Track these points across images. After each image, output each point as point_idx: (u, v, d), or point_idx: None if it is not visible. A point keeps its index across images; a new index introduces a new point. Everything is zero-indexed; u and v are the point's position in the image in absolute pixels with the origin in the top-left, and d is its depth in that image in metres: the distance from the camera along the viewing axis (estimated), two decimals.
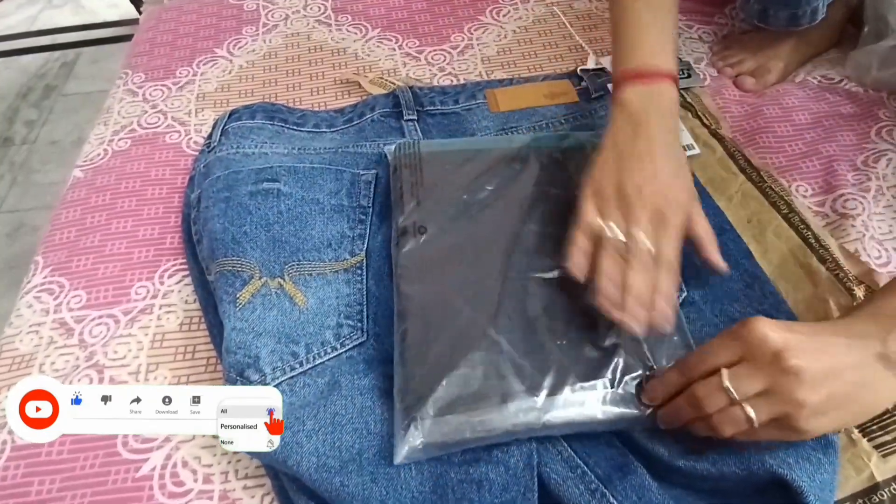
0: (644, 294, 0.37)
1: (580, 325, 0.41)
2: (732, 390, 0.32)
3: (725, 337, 0.34)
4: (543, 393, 0.38)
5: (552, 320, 0.41)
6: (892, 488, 0.38)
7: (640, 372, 0.39)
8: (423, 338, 0.41)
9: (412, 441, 0.38)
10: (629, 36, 0.46)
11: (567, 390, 0.38)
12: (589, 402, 0.38)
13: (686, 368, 0.35)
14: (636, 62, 0.45)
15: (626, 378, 0.39)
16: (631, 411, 0.38)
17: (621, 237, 0.39)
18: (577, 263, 0.40)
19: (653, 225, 0.39)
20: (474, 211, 0.48)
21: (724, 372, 0.33)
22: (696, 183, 0.52)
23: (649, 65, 0.44)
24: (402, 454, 0.38)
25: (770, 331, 0.32)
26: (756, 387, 0.32)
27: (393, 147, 0.54)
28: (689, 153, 0.56)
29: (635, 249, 0.38)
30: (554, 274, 0.43)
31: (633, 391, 0.38)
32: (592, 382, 0.39)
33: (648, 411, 0.38)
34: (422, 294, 0.44)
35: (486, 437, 0.38)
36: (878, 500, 0.38)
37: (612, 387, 0.39)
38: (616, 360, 0.39)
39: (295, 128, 0.59)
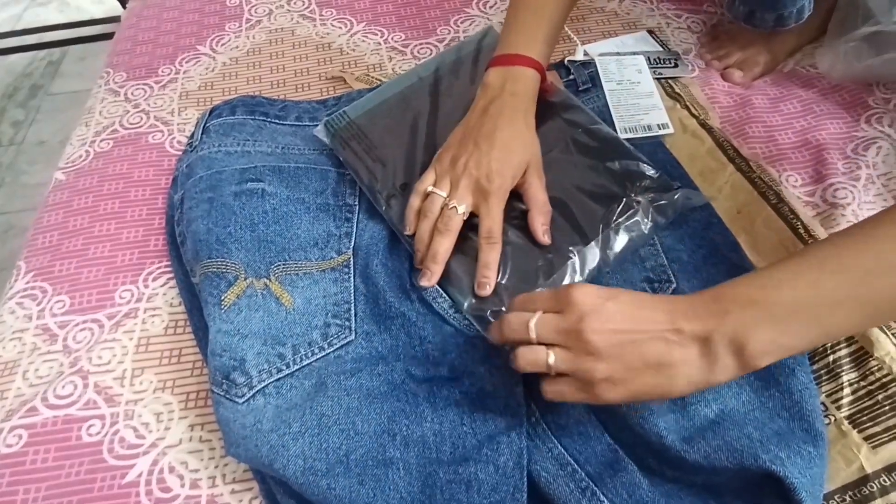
0: (440, 255, 0.45)
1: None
2: (533, 329, 0.35)
3: (554, 291, 0.37)
4: (579, 248, 0.46)
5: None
6: (881, 480, 0.38)
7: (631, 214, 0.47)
8: (468, 260, 0.46)
9: None
10: (506, 30, 0.52)
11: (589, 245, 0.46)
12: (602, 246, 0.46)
13: (517, 304, 0.39)
14: (504, 51, 0.51)
15: (621, 221, 0.47)
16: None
17: (442, 198, 0.46)
18: (407, 221, 0.48)
19: (474, 198, 0.46)
20: (436, 144, 0.51)
21: (536, 315, 0.35)
22: (684, 176, 0.52)
23: (513, 52, 0.50)
24: None
25: (583, 296, 0.34)
26: (553, 337, 0.35)
27: (320, 128, 0.55)
28: (662, 132, 0.57)
29: (447, 216, 0.46)
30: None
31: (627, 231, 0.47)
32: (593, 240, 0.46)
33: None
34: None
35: None
36: (867, 491, 0.38)
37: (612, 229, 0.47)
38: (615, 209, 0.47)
39: (277, 121, 0.59)
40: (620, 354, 0.33)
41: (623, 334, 0.33)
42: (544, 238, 0.46)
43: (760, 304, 0.32)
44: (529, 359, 0.36)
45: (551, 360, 0.34)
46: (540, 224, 0.46)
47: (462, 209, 0.45)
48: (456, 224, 0.46)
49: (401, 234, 0.49)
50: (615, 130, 0.55)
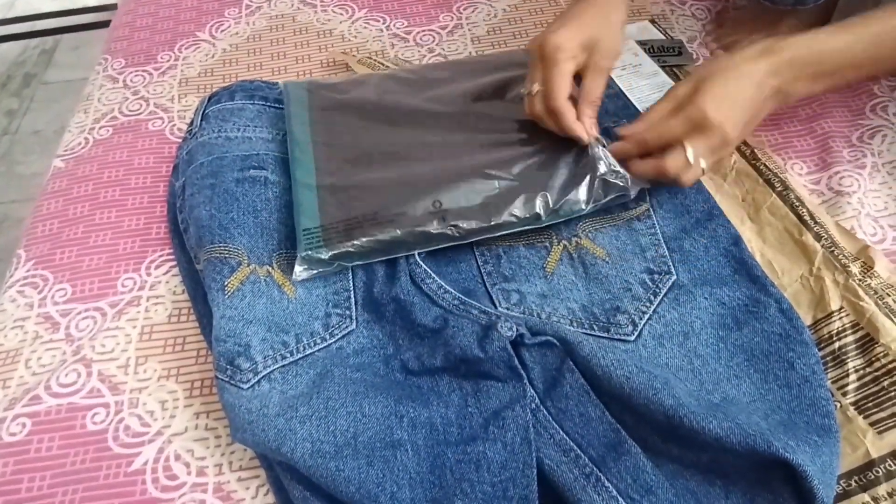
0: (559, 128, 0.47)
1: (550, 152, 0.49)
2: (693, 160, 0.43)
3: (675, 116, 0.44)
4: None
5: (532, 148, 0.49)
6: (887, 465, 0.38)
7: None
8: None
9: None
10: None
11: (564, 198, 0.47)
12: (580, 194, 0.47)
13: (645, 142, 0.45)
14: None
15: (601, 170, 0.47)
16: (615, 183, 0.47)
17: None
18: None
19: (542, 73, 0.46)
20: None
21: (689, 149, 0.43)
22: None
23: None
24: None
25: (710, 112, 0.42)
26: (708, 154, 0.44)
27: (300, 271, 0.46)
28: None
29: (531, 104, 0.47)
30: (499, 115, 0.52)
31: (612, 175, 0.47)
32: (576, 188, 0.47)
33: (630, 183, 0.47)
34: None
35: None
36: (873, 476, 0.38)
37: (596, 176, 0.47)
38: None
39: (277, 105, 0.58)
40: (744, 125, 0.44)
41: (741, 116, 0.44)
42: (584, 134, 0.46)
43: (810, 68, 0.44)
44: (692, 174, 0.43)
45: (690, 155, 0.43)
46: (585, 115, 0.46)
47: (535, 89, 0.46)
48: (538, 107, 0.47)
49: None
50: (639, 112, 0.55)
